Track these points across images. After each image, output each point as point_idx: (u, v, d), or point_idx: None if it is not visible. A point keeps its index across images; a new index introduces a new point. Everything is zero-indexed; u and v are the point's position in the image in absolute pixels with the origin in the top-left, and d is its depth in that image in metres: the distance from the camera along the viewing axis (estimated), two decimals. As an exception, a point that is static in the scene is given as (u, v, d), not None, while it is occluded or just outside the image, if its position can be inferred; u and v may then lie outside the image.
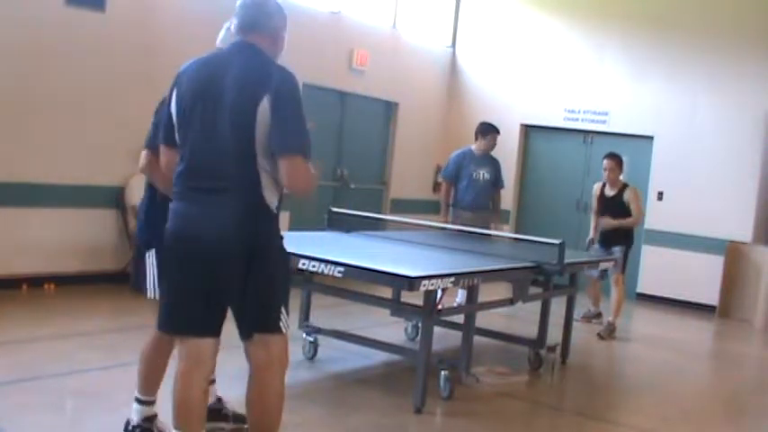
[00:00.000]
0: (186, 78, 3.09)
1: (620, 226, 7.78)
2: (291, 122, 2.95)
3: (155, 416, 3.76)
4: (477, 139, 8.06)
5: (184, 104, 3.06)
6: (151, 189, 3.73)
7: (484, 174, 7.98)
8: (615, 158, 7.88)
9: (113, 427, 4.09)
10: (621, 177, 7.94)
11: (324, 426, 4.48)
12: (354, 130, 10.32)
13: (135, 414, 3.76)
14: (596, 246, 7.94)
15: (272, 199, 3.04)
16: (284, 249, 3.18)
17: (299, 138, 2.96)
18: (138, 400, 3.74)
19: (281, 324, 3.11)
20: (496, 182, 8.13)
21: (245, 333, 3.11)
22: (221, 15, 8.59)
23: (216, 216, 2.98)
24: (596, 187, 8.10)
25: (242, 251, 2.99)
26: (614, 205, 7.83)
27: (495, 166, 8.11)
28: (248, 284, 3.02)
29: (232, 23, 3.19)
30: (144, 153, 3.64)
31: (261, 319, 3.08)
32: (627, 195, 7.80)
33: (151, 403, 3.76)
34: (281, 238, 3.16)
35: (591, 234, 8.08)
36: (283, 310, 3.13)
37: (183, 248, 3.04)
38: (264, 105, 2.92)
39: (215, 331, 3.12)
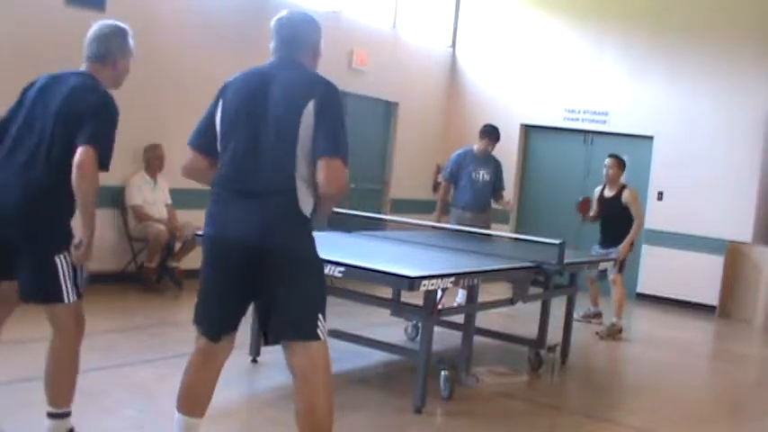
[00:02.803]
0: (231, 90, 3.24)
1: (631, 242, 7.73)
2: (334, 126, 3.10)
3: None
4: (480, 138, 8.04)
5: (229, 115, 3.20)
6: None
7: (483, 174, 7.93)
8: (617, 158, 7.96)
9: (113, 427, 4.11)
10: (622, 179, 7.95)
11: (324, 426, 4.47)
12: (354, 129, 10.17)
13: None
14: (596, 246, 7.94)
15: (305, 205, 3.12)
16: (318, 255, 3.24)
17: (340, 141, 3.10)
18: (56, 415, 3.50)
19: (318, 331, 3.13)
20: (496, 183, 8.05)
21: (277, 338, 3.15)
22: (220, 17, 8.63)
23: (252, 220, 3.08)
24: (597, 191, 8.10)
25: (277, 255, 3.06)
26: (613, 206, 7.81)
27: (496, 167, 8.04)
28: (282, 289, 3.08)
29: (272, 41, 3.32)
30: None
31: (297, 325, 3.12)
32: (625, 197, 7.80)
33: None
34: (314, 244, 3.21)
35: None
36: (320, 316, 3.16)
37: (219, 251, 3.16)
38: (309, 110, 3.07)
39: (231, 334, 3.26)
